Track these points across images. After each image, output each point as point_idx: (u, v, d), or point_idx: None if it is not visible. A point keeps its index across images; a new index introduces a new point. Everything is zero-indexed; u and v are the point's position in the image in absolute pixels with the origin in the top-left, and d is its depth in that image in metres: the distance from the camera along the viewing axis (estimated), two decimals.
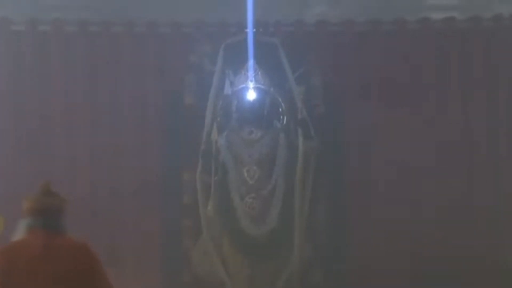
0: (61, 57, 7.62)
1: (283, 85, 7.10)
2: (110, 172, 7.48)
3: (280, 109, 7.06)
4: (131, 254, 7.31)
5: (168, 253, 7.35)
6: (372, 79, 7.61)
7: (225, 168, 6.88)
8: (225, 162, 6.89)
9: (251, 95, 6.92)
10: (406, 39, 7.69)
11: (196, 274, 7.10)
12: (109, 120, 7.59)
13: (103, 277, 4.05)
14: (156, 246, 7.40)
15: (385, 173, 7.46)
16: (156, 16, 7.76)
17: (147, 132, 7.59)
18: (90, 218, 7.22)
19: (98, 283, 4.04)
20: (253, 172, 6.82)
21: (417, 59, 7.62)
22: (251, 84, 6.90)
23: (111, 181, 7.45)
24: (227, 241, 6.94)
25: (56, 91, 7.58)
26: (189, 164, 7.17)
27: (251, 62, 6.93)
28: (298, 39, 7.59)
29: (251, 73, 6.90)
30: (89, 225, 6.86)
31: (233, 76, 7.03)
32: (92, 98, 7.60)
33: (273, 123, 7.00)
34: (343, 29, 7.71)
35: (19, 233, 4.34)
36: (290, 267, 6.90)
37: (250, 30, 7.07)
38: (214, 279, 6.97)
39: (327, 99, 7.34)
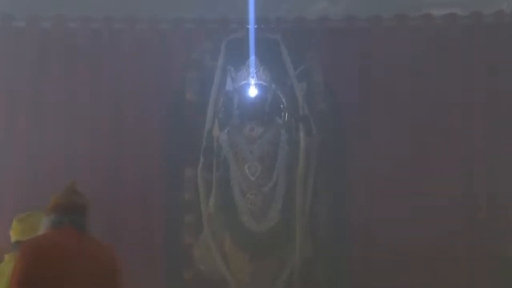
0: (62, 54, 7.60)
1: (285, 81, 7.11)
2: (111, 169, 7.46)
3: (282, 106, 7.08)
4: (132, 250, 7.28)
5: (169, 249, 7.34)
6: (374, 75, 7.60)
7: (227, 164, 6.90)
8: (226, 158, 6.90)
9: (252, 91, 6.93)
10: (408, 35, 7.69)
11: (197, 270, 7.11)
12: (110, 117, 7.57)
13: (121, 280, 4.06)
14: (158, 242, 7.38)
15: (387, 170, 7.44)
16: (157, 13, 7.75)
17: (148, 129, 7.56)
18: (90, 215, 7.19)
19: (119, 285, 4.04)
20: (254, 169, 6.83)
21: (419, 55, 7.60)
22: (252, 81, 6.91)
23: (112, 178, 7.42)
24: (228, 238, 6.95)
25: (57, 88, 7.56)
26: (190, 161, 7.16)
27: (252, 59, 6.94)
28: (300, 36, 7.58)
29: (252, 70, 6.91)
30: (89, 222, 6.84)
31: (234, 73, 7.04)
32: (93, 95, 7.58)
33: (274, 120, 7.02)
34: (345, 26, 7.71)
35: (43, 229, 4.31)
36: (291, 263, 6.90)
37: (251, 26, 7.08)
38: (215, 275, 6.98)
39: (328, 96, 7.34)
